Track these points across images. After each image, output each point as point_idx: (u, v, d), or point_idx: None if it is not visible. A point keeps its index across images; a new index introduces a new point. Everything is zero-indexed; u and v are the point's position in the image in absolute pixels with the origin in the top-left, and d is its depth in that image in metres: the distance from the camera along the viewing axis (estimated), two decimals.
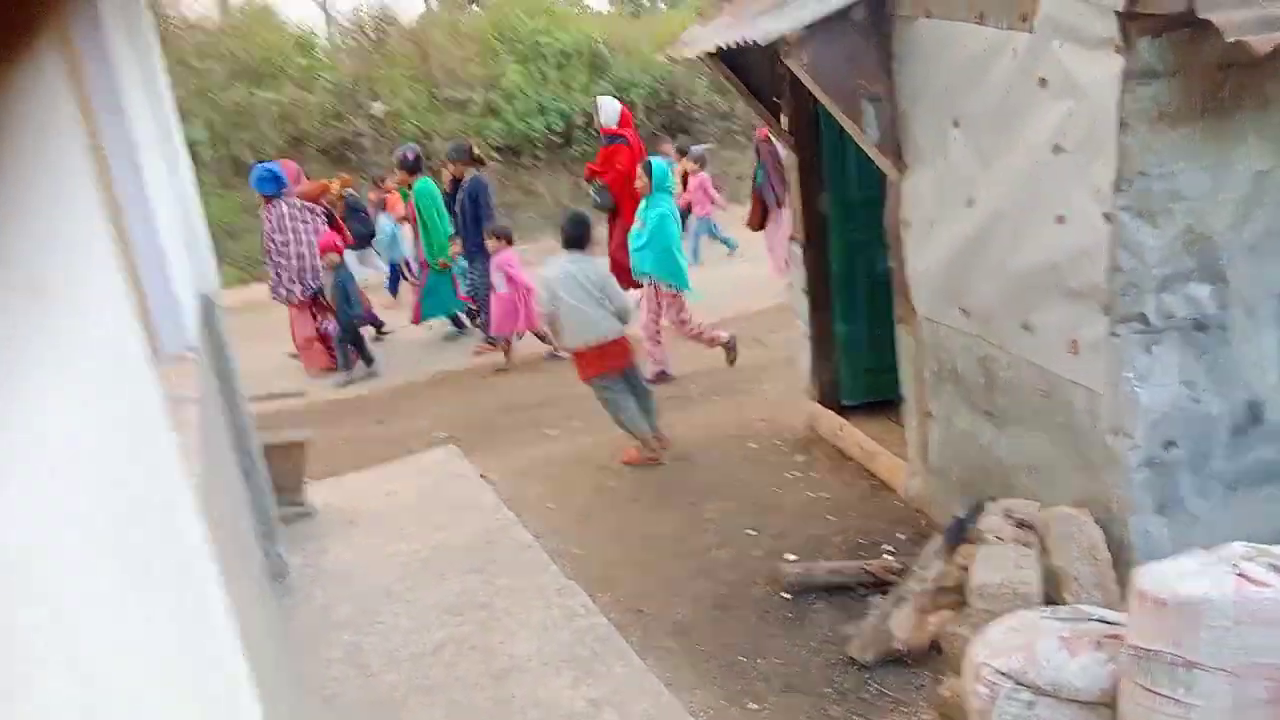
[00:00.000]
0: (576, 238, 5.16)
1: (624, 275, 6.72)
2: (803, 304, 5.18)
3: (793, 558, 4.08)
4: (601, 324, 5.03)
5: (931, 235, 3.84)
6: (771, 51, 4.04)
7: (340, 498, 5.49)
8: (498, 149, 14.42)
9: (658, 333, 6.80)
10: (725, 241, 11.00)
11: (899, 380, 4.34)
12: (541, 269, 5.28)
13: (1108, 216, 2.90)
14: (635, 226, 6.67)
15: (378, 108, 14.32)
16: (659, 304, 6.66)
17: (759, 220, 9.00)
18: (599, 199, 8.18)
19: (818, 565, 3.90)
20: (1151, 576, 2.41)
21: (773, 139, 8.38)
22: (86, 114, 2.90)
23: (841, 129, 4.26)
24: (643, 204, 6.66)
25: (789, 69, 4.19)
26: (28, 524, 0.71)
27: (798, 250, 5.16)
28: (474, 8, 17.30)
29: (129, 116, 3.10)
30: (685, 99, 15.19)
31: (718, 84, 12.46)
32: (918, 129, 3.80)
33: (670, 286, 6.57)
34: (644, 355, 6.49)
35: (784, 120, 5.01)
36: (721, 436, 5.56)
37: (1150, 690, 2.34)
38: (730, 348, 6.78)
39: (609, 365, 5.09)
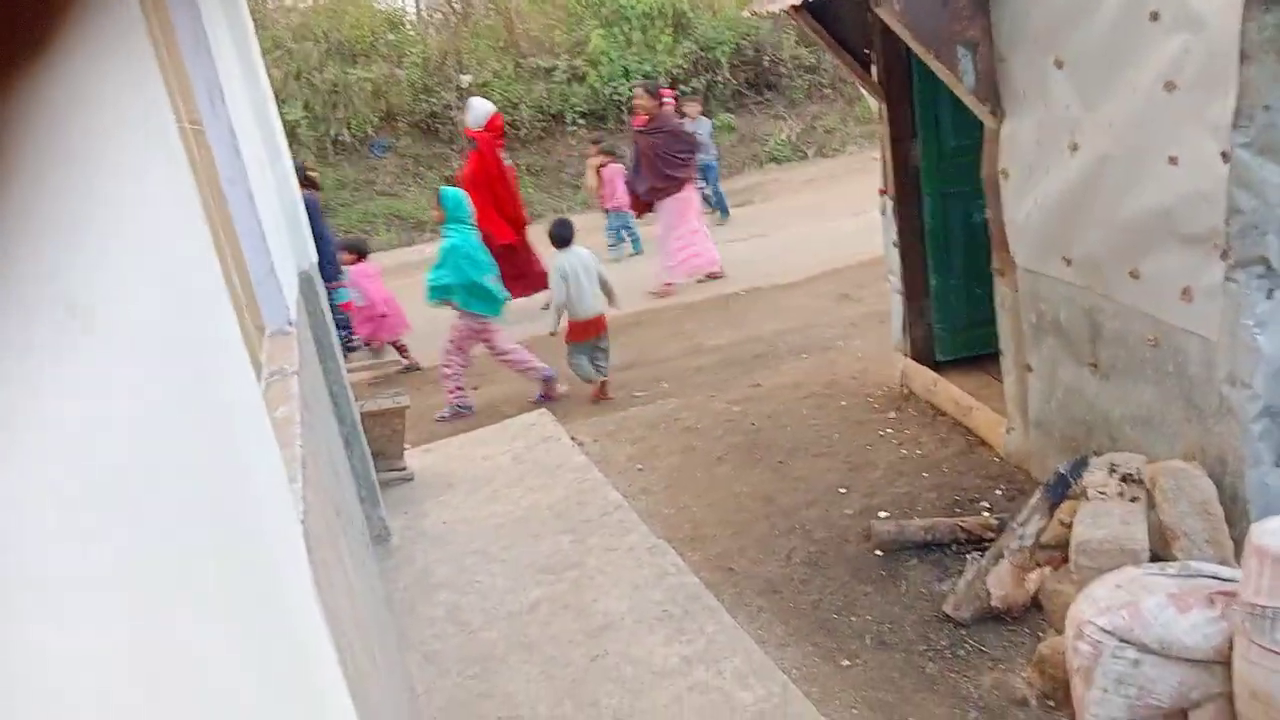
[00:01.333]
0: (564, 237, 6.34)
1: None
2: (894, 258, 5.05)
3: (885, 515, 4.02)
4: (597, 303, 6.28)
5: (1031, 183, 3.68)
6: (861, 1, 3.91)
7: (438, 462, 5.64)
8: (583, 114, 14.43)
9: (459, 364, 6.45)
10: (633, 240, 10.12)
11: (994, 335, 4.20)
12: (553, 260, 6.40)
13: (1225, 155, 2.72)
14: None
15: (465, 80, 14.47)
16: (470, 332, 6.38)
17: (640, 208, 8.82)
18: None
19: (911, 523, 3.83)
20: (1271, 531, 2.29)
21: (649, 130, 8.33)
22: (187, 101, 3.01)
23: (935, 77, 4.11)
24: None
25: (879, 17, 4.06)
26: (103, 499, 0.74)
27: (889, 203, 5.02)
28: None
29: (229, 101, 3.20)
30: (771, 54, 14.90)
31: (805, 37, 12.17)
32: (1016, 73, 3.63)
33: (476, 316, 6.30)
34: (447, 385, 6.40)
35: (874, 71, 4.86)
36: (811, 394, 5.49)
37: (1269, 649, 2.23)
38: (549, 383, 6.41)
39: (591, 333, 6.33)
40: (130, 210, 1.00)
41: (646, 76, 14.25)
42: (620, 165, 9.84)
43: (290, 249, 4.24)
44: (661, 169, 8.24)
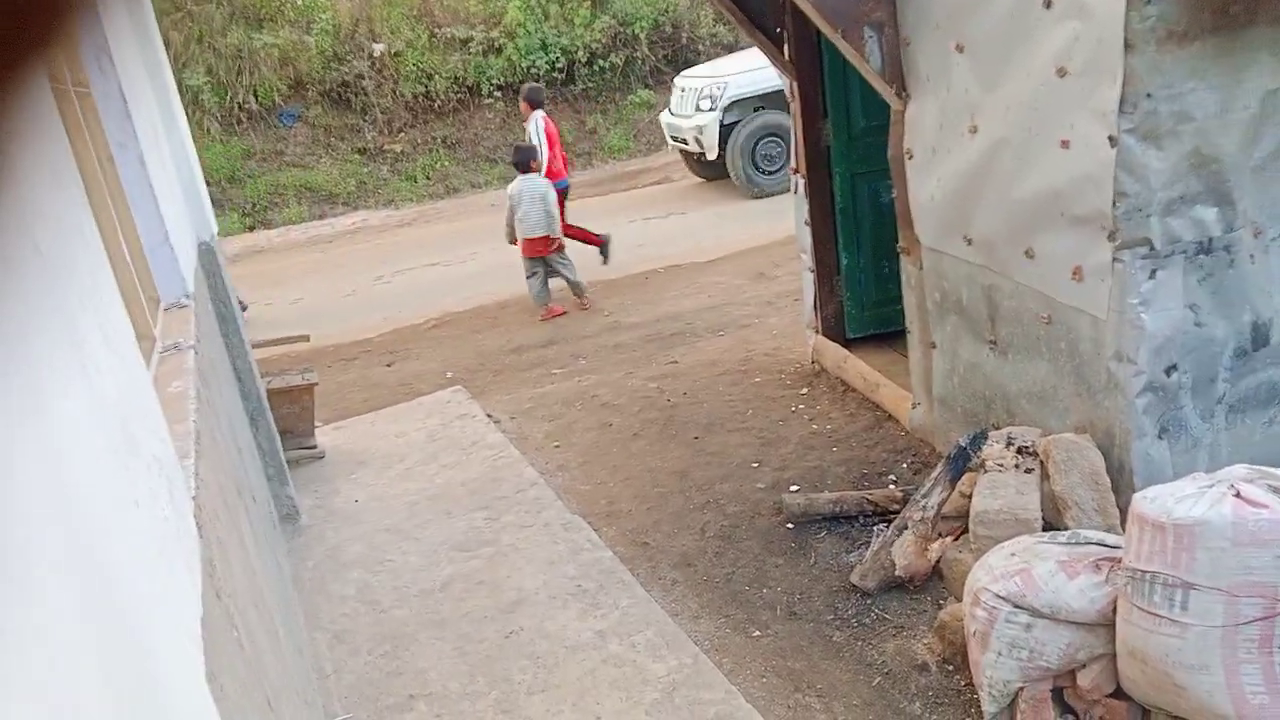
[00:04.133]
0: (523, 163, 7.36)
1: None
2: (806, 236, 5.13)
3: (795, 489, 4.11)
4: (540, 224, 7.19)
5: (934, 164, 3.77)
6: None
7: (349, 440, 5.54)
8: (499, 87, 14.21)
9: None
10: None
11: (902, 312, 4.31)
12: (511, 186, 7.36)
13: (1112, 140, 2.84)
14: None
15: (378, 48, 14.09)
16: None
17: None
18: None
19: (820, 496, 3.92)
20: (1150, 500, 2.42)
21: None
22: (73, 66, 2.86)
23: (844, 58, 4.16)
24: None
25: None
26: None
27: (800, 181, 5.09)
28: None
29: (119, 66, 3.06)
30: (689, 32, 14.89)
31: (721, 16, 12.20)
32: (920, 56, 3.71)
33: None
34: None
35: (786, 51, 4.90)
36: (725, 371, 5.56)
37: (1146, 611, 2.36)
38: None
39: (537, 251, 7.30)
40: None
41: (564, 50, 14.12)
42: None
43: (188, 219, 4.08)
44: None
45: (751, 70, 10.58)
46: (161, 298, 3.10)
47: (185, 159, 4.36)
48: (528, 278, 7.39)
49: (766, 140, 10.34)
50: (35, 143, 1.27)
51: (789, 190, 10.65)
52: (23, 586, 0.75)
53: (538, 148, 7.72)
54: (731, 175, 10.42)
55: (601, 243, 8.18)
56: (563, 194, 7.89)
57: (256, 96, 13.59)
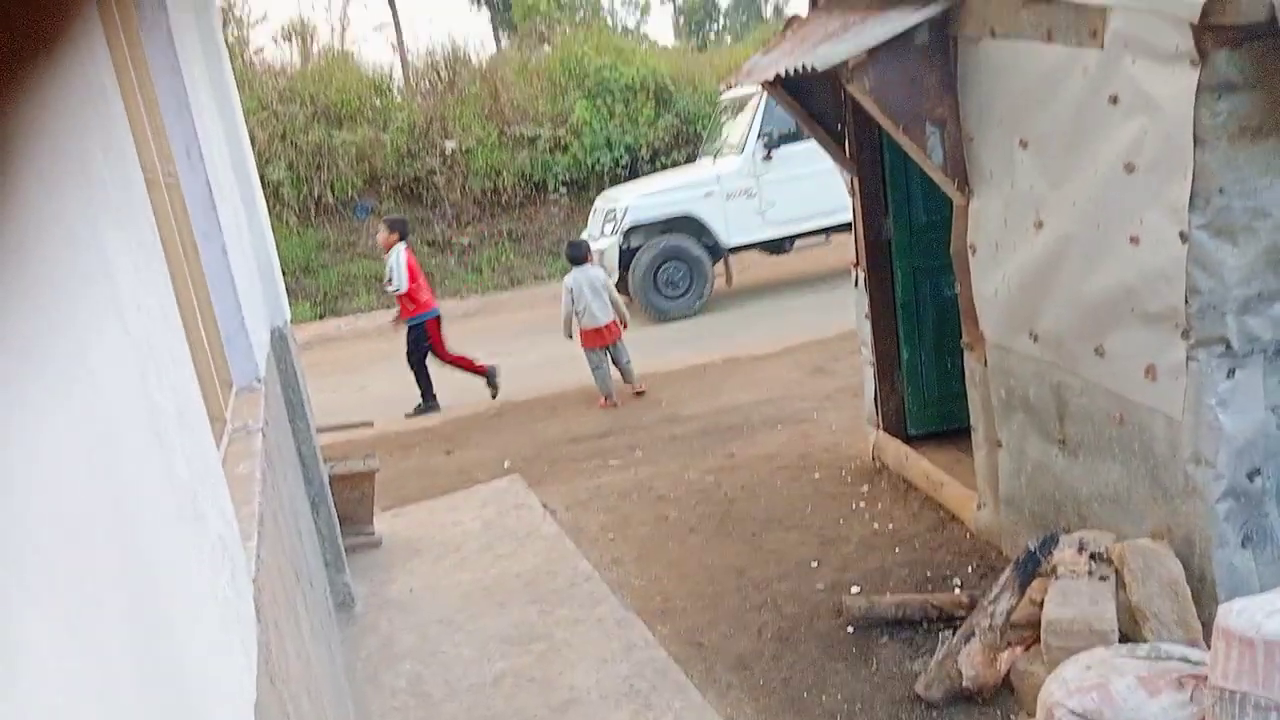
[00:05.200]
0: (578, 257, 7.54)
1: None
2: (866, 330, 5.10)
3: (857, 590, 3.98)
4: (605, 313, 7.33)
5: (999, 259, 3.74)
6: (834, 78, 4.02)
7: (406, 527, 5.55)
8: (565, 183, 14.62)
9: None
10: None
11: (966, 409, 4.22)
12: (567, 278, 7.52)
13: (1183, 236, 2.78)
14: None
15: (450, 145, 14.67)
16: None
17: None
18: None
19: (883, 599, 3.78)
20: (1237, 613, 2.27)
21: None
22: (164, 157, 3.02)
23: (905, 153, 4.20)
24: None
25: (851, 95, 4.16)
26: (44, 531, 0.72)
27: (860, 275, 5.08)
28: (544, 47, 17.65)
29: (207, 158, 3.22)
30: None
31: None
32: (983, 151, 3.72)
33: None
34: None
35: (846, 146, 4.97)
36: (784, 466, 5.48)
37: None
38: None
39: (603, 341, 7.38)
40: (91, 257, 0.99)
41: (627, 148, 14.51)
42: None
43: (263, 306, 4.22)
44: None
45: (656, 194, 10.60)
46: (234, 381, 3.19)
47: (264, 248, 4.54)
48: (595, 369, 7.42)
49: (669, 265, 10.23)
50: (127, 229, 1.33)
51: (693, 314, 10.20)
52: (86, 641, 0.75)
53: (401, 277, 7.64)
54: (634, 299, 10.17)
55: (486, 372, 8.05)
56: (436, 322, 7.92)
57: (333, 191, 14.19)
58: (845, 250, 11.75)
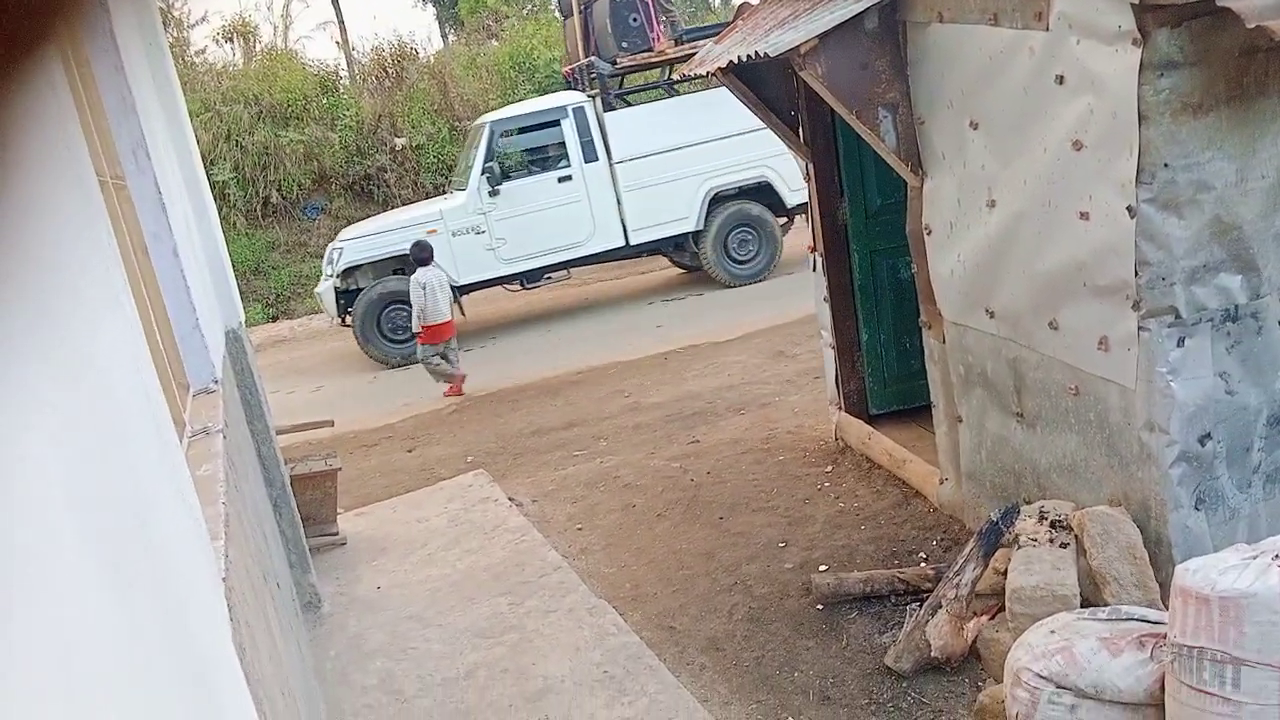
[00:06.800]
0: (424, 258, 7.96)
1: None
2: (825, 314, 5.15)
3: (824, 568, 4.03)
4: (446, 310, 7.93)
5: (953, 239, 3.81)
6: (786, 64, 4.05)
7: (371, 526, 5.50)
8: None
9: None
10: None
11: (926, 387, 4.29)
12: (417, 275, 7.92)
13: (1131, 210, 2.86)
14: None
15: (399, 142, 14.50)
16: None
17: None
18: None
19: (850, 575, 3.84)
20: (1193, 573, 2.35)
21: None
22: (110, 159, 2.96)
23: (859, 138, 4.25)
24: None
25: (804, 81, 4.20)
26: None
27: (818, 259, 5.13)
28: (492, 41, 17.51)
29: (154, 162, 3.16)
30: None
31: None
32: (935, 134, 3.78)
33: None
34: None
35: (801, 133, 5.01)
36: (749, 450, 5.52)
37: (1196, 689, 2.28)
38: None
39: (444, 336, 7.97)
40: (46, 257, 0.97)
41: None
42: None
43: (217, 307, 4.15)
44: None
45: (374, 235, 9.98)
46: (191, 383, 3.13)
47: (215, 249, 4.46)
48: (432, 363, 7.99)
49: (392, 308, 9.69)
50: (85, 232, 1.31)
51: (416, 360, 9.45)
52: (60, 639, 0.75)
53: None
54: (357, 343, 9.93)
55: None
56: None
57: (281, 191, 13.96)
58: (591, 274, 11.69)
